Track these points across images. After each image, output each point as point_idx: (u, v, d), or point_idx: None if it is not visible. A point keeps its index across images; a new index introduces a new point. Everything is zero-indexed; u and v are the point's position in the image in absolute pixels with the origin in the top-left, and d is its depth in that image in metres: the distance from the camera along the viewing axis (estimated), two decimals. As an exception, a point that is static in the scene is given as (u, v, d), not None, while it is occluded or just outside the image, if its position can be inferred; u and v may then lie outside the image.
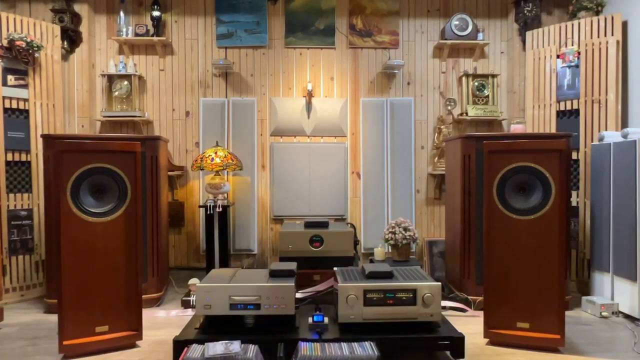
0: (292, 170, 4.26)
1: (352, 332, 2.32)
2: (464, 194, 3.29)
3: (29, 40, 3.47)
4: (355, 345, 2.18)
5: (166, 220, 3.78)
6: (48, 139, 3.19)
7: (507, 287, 2.57)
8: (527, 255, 2.55)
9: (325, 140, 4.31)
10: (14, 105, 3.49)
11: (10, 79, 3.48)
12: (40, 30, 3.67)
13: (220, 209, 3.68)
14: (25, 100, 3.55)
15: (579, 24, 3.74)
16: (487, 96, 4.22)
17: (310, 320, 2.41)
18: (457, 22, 4.18)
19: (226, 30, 4.27)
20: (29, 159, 3.55)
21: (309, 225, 3.49)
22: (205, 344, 2.16)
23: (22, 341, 2.70)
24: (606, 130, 3.57)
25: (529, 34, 4.02)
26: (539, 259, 2.53)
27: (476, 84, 4.22)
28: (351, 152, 4.31)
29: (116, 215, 2.52)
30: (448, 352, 2.37)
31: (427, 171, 4.35)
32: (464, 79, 4.23)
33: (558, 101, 3.81)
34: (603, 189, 3.31)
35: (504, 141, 2.60)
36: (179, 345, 2.21)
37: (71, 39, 4.03)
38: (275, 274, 2.50)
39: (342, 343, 2.20)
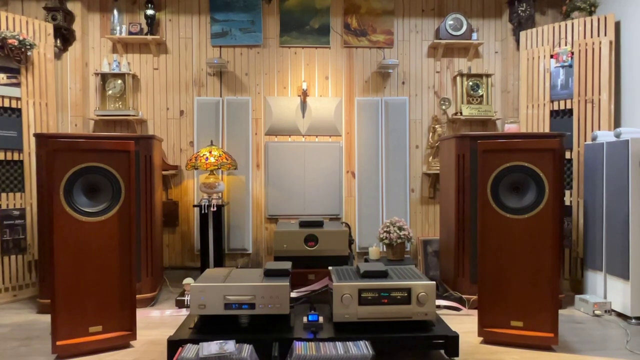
0: (287, 170, 4.25)
1: (346, 331, 2.32)
2: (458, 193, 3.30)
3: (21, 38, 3.45)
4: (350, 344, 2.18)
5: (160, 220, 3.77)
6: (41, 137, 3.17)
7: (501, 286, 2.58)
8: (521, 254, 2.56)
9: (320, 140, 4.30)
10: (6, 104, 3.46)
11: (2, 77, 3.45)
12: (32, 28, 3.64)
13: (215, 209, 3.67)
14: (18, 98, 3.52)
15: (572, 24, 3.76)
16: (482, 96, 4.24)
17: (305, 319, 2.41)
18: (451, 22, 4.19)
19: (221, 29, 4.25)
20: (21, 158, 3.52)
21: (303, 224, 3.49)
22: (200, 343, 2.15)
23: (15, 342, 2.68)
24: (599, 129, 3.59)
25: (522, 33, 4.04)
26: (532, 258, 2.54)
27: (470, 83, 4.23)
28: (346, 152, 4.31)
29: (110, 214, 2.51)
30: (442, 351, 2.38)
31: (421, 170, 4.36)
32: (458, 78, 4.24)
33: (551, 101, 3.83)
34: (596, 188, 3.33)
35: (498, 141, 2.61)
36: (174, 345, 2.20)
37: (64, 37, 4.00)
38: (269, 274, 2.50)
39: (336, 342, 2.20)
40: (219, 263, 3.77)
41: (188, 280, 3.43)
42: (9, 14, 3.53)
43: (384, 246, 3.73)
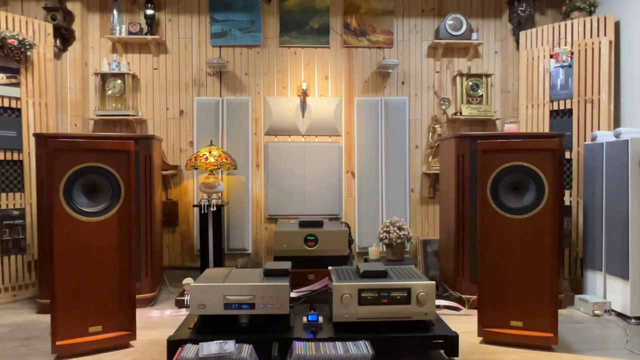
0: (287, 170, 4.25)
1: (346, 331, 2.32)
2: (458, 193, 3.30)
3: (21, 38, 3.44)
4: (349, 344, 2.18)
5: (160, 220, 3.77)
6: (40, 137, 3.17)
7: (500, 285, 2.58)
8: (521, 254, 2.56)
9: (319, 140, 4.30)
10: (6, 104, 3.46)
11: (2, 77, 3.45)
12: (32, 28, 3.64)
13: (215, 209, 3.67)
14: (17, 98, 3.52)
15: (572, 24, 3.76)
16: (481, 96, 4.24)
17: (304, 319, 2.41)
18: (451, 22, 4.19)
19: (220, 29, 4.25)
20: (21, 158, 3.52)
21: (303, 224, 3.49)
22: (200, 343, 2.15)
23: (15, 342, 2.67)
24: (599, 129, 3.59)
25: (522, 33, 4.04)
26: (532, 258, 2.54)
27: (470, 83, 4.23)
28: (346, 152, 4.32)
29: (109, 214, 2.51)
30: (442, 351, 2.38)
31: (421, 170, 4.36)
32: (458, 78, 4.24)
33: (551, 101, 3.83)
34: (596, 188, 3.33)
35: (498, 140, 2.60)
36: (173, 345, 2.20)
37: (64, 37, 4.00)
38: (269, 274, 2.50)
39: (336, 342, 2.20)
40: (218, 263, 3.77)
41: (188, 280, 3.43)
42: (8, 14, 3.53)
43: (384, 246, 3.73)
